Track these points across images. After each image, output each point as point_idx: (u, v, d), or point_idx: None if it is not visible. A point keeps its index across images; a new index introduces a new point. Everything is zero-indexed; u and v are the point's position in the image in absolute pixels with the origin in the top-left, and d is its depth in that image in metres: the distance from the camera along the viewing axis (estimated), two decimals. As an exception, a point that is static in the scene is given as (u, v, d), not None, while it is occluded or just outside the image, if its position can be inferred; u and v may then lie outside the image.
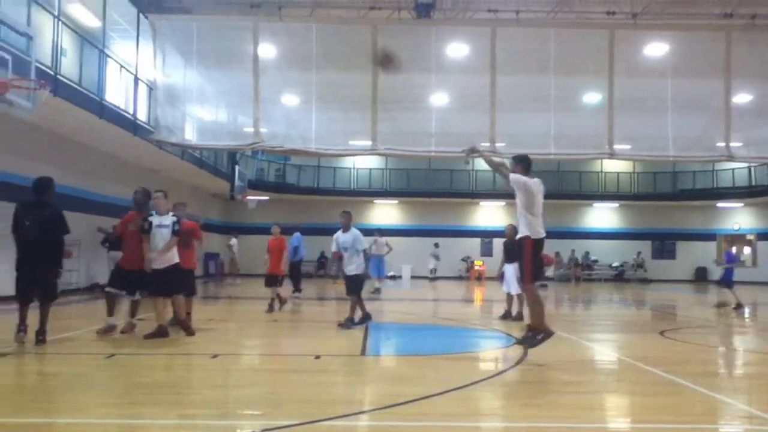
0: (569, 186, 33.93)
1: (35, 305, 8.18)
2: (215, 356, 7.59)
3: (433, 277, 31.72)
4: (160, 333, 8.79)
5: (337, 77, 17.55)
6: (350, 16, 17.90)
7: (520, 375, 6.74)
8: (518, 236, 7.69)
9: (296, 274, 16.27)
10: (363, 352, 8.35)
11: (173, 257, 8.94)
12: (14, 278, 8.16)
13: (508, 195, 33.76)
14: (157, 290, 8.91)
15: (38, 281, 8.17)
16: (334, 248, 10.95)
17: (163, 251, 8.72)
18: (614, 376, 7.31)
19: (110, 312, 9.29)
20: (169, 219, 8.88)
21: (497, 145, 18.28)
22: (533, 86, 17.48)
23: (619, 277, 34.03)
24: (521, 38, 17.01)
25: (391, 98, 17.69)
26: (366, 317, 10.98)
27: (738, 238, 34.29)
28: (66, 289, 12.05)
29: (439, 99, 18.62)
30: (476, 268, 32.95)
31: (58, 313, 10.04)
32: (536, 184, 7.57)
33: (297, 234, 16.79)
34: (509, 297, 12.42)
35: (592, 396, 5.99)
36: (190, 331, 9.19)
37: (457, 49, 17.64)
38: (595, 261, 34.55)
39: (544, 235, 7.52)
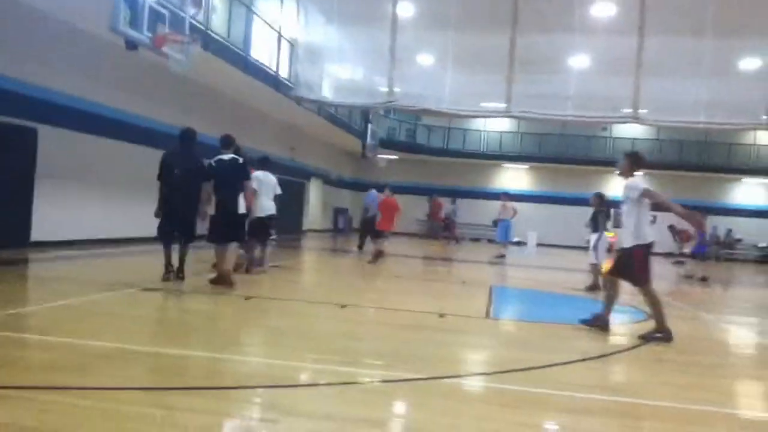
0: (717, 158, 31.61)
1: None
2: (343, 306, 7.87)
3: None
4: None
5: (475, 38, 17.22)
6: (492, -26, 17.40)
7: (653, 352, 6.44)
8: (626, 246, 6.96)
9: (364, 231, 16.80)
10: (487, 315, 8.34)
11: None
12: (158, 221, 8.77)
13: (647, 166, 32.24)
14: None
15: (181, 224, 8.77)
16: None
17: None
18: (756, 361, 6.82)
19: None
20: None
21: (641, 111, 17.33)
22: (685, 48, 16.25)
23: (766, 258, 31.50)
24: (676, -5, 15.82)
25: (530, 60, 17.14)
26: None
27: None
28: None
29: (580, 61, 17.83)
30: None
31: (201, 255, 10.79)
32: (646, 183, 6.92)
33: (372, 191, 17.19)
34: (594, 267, 11.90)
35: (736, 381, 5.64)
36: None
37: (604, 9, 16.71)
38: (739, 240, 32.13)
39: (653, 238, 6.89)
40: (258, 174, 10.18)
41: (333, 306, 7.96)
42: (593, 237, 12.08)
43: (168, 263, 8.76)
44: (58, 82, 12.37)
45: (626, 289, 13.10)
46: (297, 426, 3.57)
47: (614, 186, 33.77)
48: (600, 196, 12.46)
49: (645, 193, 6.81)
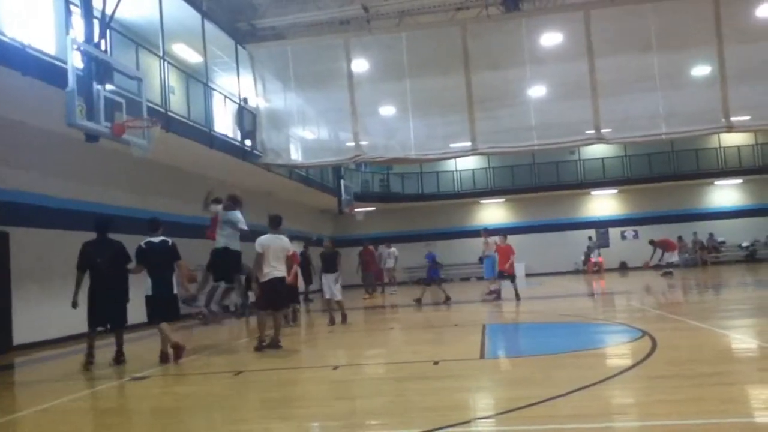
0: (686, 165, 32.13)
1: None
2: (336, 368, 7.73)
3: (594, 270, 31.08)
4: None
5: (431, 82, 17.58)
6: (438, 20, 17.82)
7: (652, 369, 6.39)
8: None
9: None
10: (482, 356, 8.23)
11: None
12: (87, 311, 8.69)
13: (618, 182, 32.57)
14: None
15: (111, 312, 8.71)
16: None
17: None
18: (756, 365, 6.78)
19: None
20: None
21: (603, 131, 17.63)
22: (636, 66, 16.69)
23: (751, 257, 31.75)
24: (617, 18, 16.26)
25: (488, 96, 17.45)
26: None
27: None
28: (191, 313, 12.66)
29: (537, 91, 18.18)
30: (593, 260, 31.77)
31: (185, 336, 10.60)
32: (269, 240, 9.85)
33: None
34: (329, 302, 13.29)
35: (735, 388, 5.58)
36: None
37: (551, 38, 17.14)
38: (722, 242, 32.43)
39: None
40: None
41: (325, 369, 7.81)
42: (331, 276, 13.18)
43: (90, 353, 8.67)
44: (24, 182, 12.29)
45: (621, 307, 13.15)
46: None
47: (590, 207, 34.20)
48: (330, 240, 14.15)
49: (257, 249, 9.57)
